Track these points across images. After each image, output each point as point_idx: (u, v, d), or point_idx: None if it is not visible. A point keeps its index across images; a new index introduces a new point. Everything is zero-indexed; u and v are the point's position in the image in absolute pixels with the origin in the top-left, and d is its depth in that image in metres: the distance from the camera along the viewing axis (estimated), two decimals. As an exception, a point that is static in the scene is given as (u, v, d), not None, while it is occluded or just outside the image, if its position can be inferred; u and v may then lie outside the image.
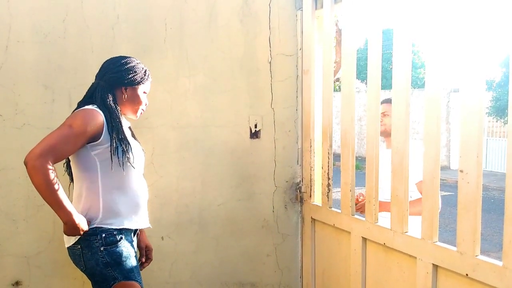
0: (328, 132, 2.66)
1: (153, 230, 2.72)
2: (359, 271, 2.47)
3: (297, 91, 2.91)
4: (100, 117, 1.90)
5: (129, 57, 2.11)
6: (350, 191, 2.52)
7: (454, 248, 1.90)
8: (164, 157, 2.72)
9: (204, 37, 2.74)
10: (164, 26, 2.67)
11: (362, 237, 2.43)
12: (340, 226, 2.62)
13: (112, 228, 1.94)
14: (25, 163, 1.74)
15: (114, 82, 2.03)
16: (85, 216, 1.91)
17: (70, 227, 1.83)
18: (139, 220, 2.06)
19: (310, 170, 2.86)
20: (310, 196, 2.88)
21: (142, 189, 2.08)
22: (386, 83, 10.74)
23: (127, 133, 2.05)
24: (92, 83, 2.09)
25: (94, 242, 1.90)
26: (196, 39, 2.73)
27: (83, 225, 1.86)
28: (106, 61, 2.10)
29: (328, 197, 2.70)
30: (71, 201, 1.92)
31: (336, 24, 9.15)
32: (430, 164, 2.01)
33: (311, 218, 2.87)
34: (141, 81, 2.07)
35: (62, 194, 1.80)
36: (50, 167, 1.75)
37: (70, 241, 1.95)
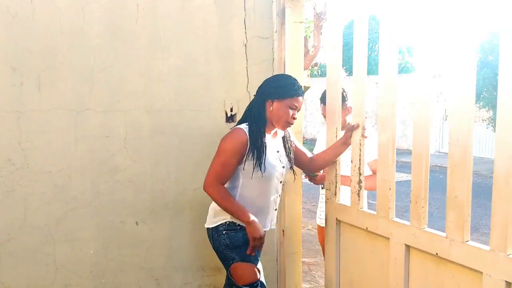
0: (361, 119, 2.39)
1: (127, 215, 2.71)
2: (400, 284, 2.16)
3: (273, 74, 2.88)
4: (244, 136, 2.22)
5: (286, 75, 2.44)
6: (390, 189, 2.22)
7: None
8: (138, 141, 2.67)
9: (178, 18, 2.68)
10: (136, 6, 2.60)
11: (406, 244, 2.12)
12: (375, 231, 2.31)
13: (234, 221, 2.29)
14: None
15: (264, 96, 2.31)
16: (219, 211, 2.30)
17: (253, 227, 2.22)
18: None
19: (336, 164, 2.59)
20: (335, 194, 2.61)
21: (265, 197, 2.35)
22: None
23: (272, 147, 2.33)
24: (253, 99, 2.39)
25: (220, 226, 2.30)
26: (170, 20, 2.67)
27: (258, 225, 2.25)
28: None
29: (359, 196, 2.43)
30: None
31: (314, 8, 9.11)
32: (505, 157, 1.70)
33: (336, 219, 2.59)
34: (287, 95, 2.27)
35: (238, 204, 2.24)
36: (220, 189, 2.22)
37: (208, 224, 2.37)
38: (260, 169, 2.21)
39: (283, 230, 2.99)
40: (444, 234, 1.92)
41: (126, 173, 2.67)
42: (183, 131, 2.76)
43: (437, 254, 1.96)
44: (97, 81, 2.57)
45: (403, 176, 10.80)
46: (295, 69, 2.84)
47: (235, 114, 2.84)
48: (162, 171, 2.74)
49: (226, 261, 2.30)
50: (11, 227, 2.53)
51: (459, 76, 1.82)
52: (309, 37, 9.69)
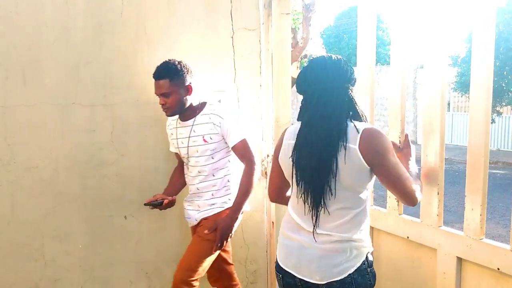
0: (401, 114, 2.12)
1: (115, 209, 2.70)
2: None
3: (260, 67, 2.87)
4: None
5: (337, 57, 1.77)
6: (438, 193, 1.96)
7: None
8: (125, 135, 2.66)
9: (163, 10, 2.67)
10: (121, -1, 2.59)
11: (457, 257, 1.87)
12: (418, 240, 2.04)
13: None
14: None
15: (348, 84, 1.70)
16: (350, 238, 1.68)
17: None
18: None
19: None
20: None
21: None
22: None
23: None
24: (329, 87, 1.67)
25: (362, 264, 1.68)
26: (154, 13, 2.65)
27: None
28: (324, 64, 1.72)
29: (398, 201, 2.15)
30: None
31: (303, 0, 9.07)
32: None
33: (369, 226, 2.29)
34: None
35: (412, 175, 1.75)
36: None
37: (345, 270, 1.66)
38: None
39: (272, 222, 3.00)
40: (507, 247, 1.68)
41: (113, 167, 2.66)
42: (170, 124, 2.75)
43: (498, 269, 1.70)
44: (82, 75, 2.56)
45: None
46: (283, 61, 2.83)
47: (222, 106, 2.82)
48: (150, 164, 2.74)
49: None
50: (-2, 223, 2.52)
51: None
52: (298, 28, 9.67)
